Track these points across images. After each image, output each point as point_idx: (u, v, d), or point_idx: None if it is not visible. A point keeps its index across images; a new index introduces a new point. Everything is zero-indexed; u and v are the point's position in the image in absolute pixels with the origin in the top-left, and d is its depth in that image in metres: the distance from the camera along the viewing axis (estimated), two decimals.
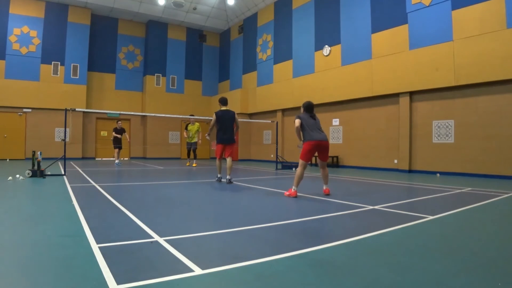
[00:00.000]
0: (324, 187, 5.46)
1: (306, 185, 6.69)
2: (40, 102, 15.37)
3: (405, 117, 10.60)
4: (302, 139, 5.46)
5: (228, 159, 7.09)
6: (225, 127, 7.11)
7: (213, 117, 7.19)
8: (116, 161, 12.47)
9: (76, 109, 9.08)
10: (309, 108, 5.52)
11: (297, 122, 5.30)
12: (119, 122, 12.75)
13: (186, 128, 12.56)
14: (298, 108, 14.73)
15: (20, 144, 15.15)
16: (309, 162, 5.40)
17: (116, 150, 12.54)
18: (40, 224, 3.25)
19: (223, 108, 7.30)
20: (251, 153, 18.09)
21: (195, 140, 12.35)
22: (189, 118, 12.56)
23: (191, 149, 12.48)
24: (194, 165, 12.54)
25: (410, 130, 10.54)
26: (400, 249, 2.60)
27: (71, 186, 6.05)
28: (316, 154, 5.42)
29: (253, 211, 4.17)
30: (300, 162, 5.27)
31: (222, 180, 7.28)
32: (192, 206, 4.50)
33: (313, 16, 14.02)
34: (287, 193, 5.25)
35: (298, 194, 5.21)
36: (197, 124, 12.43)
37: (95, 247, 2.47)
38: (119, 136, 12.51)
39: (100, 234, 2.83)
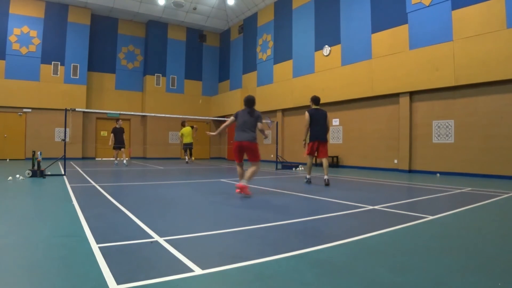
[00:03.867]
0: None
1: (306, 185, 6.69)
2: (40, 102, 15.37)
3: (405, 117, 10.60)
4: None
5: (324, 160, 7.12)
6: (319, 125, 6.98)
7: (306, 116, 6.94)
8: (124, 161, 12.44)
9: (76, 109, 9.09)
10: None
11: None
12: (119, 121, 12.62)
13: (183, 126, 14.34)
14: (298, 108, 14.76)
15: (20, 144, 15.15)
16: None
17: (120, 150, 12.44)
18: (40, 224, 3.25)
19: (314, 106, 7.11)
20: None
21: (190, 140, 14.38)
22: (184, 120, 14.43)
23: (188, 148, 14.43)
24: (193, 159, 14.73)
25: (410, 130, 10.54)
26: (400, 249, 2.60)
27: (71, 186, 6.05)
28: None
29: (253, 211, 4.17)
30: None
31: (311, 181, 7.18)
32: (192, 206, 4.50)
33: (313, 16, 14.02)
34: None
35: (299, 194, 5.23)
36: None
37: (95, 247, 2.47)
38: (119, 140, 12.40)
39: (100, 234, 2.83)
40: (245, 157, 5.46)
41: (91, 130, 17.10)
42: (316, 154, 7.11)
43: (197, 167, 12.11)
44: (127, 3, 16.65)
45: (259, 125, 5.32)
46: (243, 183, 5.06)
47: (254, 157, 5.32)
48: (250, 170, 5.21)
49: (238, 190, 5.10)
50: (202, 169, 11.38)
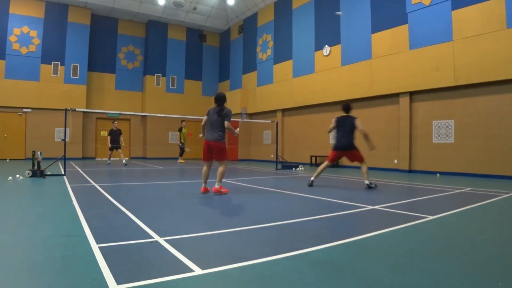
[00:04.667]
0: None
1: (306, 186, 6.69)
2: (40, 102, 15.36)
3: (405, 117, 10.60)
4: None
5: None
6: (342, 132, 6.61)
7: (332, 123, 6.73)
8: (123, 161, 12.48)
9: (76, 109, 9.08)
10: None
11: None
12: (115, 122, 12.80)
13: (180, 131, 14.65)
14: (298, 108, 14.78)
15: (20, 144, 15.15)
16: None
17: (116, 150, 12.53)
18: (40, 224, 3.25)
19: (344, 114, 6.69)
20: (251, 153, 18.08)
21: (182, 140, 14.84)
22: (183, 121, 14.73)
23: (184, 148, 14.94)
24: (180, 160, 15.13)
25: (410, 130, 10.54)
26: (400, 249, 2.60)
27: (71, 186, 6.05)
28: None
29: (253, 211, 4.17)
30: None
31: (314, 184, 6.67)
32: (192, 206, 4.50)
33: (313, 16, 14.02)
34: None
35: (299, 194, 5.28)
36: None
37: (95, 247, 2.47)
38: (115, 141, 12.50)
39: (100, 234, 2.83)
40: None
41: (91, 130, 17.10)
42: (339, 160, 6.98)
43: (197, 167, 12.11)
44: (127, 3, 16.65)
45: (225, 123, 5.29)
46: (216, 186, 5.27)
47: (220, 156, 5.38)
48: (218, 172, 5.38)
49: (215, 191, 5.29)
50: (201, 170, 11.35)
